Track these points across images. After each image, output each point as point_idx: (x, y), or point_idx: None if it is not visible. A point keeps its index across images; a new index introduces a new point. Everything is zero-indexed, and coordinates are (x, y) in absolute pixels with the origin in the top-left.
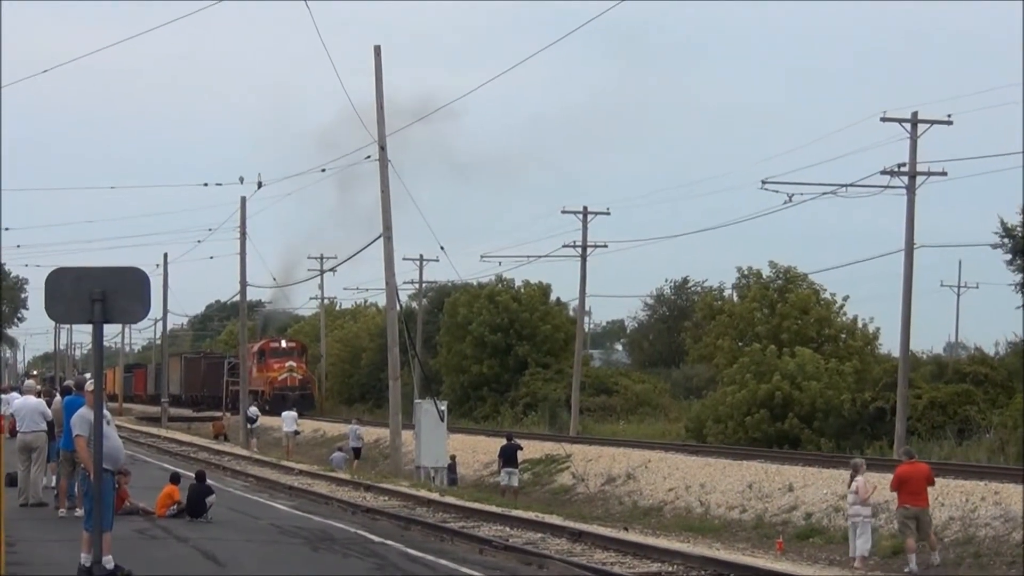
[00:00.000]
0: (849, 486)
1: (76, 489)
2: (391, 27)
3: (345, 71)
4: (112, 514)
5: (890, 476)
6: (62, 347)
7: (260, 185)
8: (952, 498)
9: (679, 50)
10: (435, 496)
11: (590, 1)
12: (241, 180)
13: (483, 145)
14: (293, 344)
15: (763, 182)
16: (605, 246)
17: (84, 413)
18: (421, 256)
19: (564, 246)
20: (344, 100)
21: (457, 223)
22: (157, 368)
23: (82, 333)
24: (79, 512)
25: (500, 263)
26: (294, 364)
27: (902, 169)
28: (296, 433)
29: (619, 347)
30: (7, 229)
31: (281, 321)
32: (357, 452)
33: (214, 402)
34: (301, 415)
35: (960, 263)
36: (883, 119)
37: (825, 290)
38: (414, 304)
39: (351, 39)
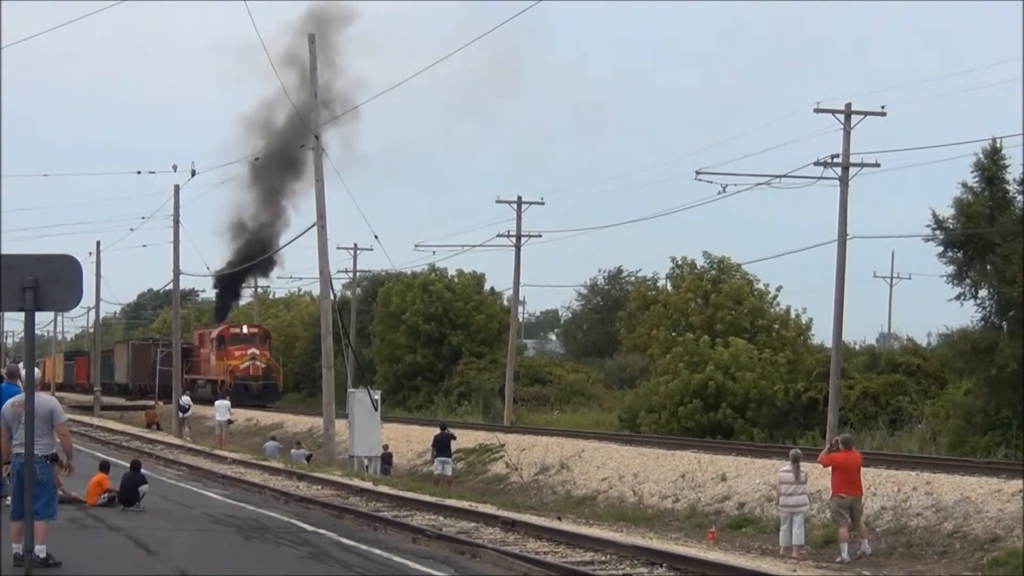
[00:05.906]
0: (798, 477)
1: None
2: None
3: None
4: (55, 503)
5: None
6: None
7: (194, 173)
8: (884, 488)
9: (614, 42)
10: (368, 485)
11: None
12: (175, 168)
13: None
14: (256, 330)
15: (697, 173)
16: (539, 236)
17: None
18: (355, 245)
19: (498, 235)
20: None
21: (392, 212)
22: (103, 356)
23: (13, 321)
24: (7, 501)
25: (434, 252)
26: (257, 352)
27: (835, 160)
28: (229, 422)
29: (553, 337)
30: None
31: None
32: None
33: (166, 391)
34: (265, 407)
35: (893, 254)
36: (817, 110)
37: (759, 280)
38: (348, 293)
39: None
